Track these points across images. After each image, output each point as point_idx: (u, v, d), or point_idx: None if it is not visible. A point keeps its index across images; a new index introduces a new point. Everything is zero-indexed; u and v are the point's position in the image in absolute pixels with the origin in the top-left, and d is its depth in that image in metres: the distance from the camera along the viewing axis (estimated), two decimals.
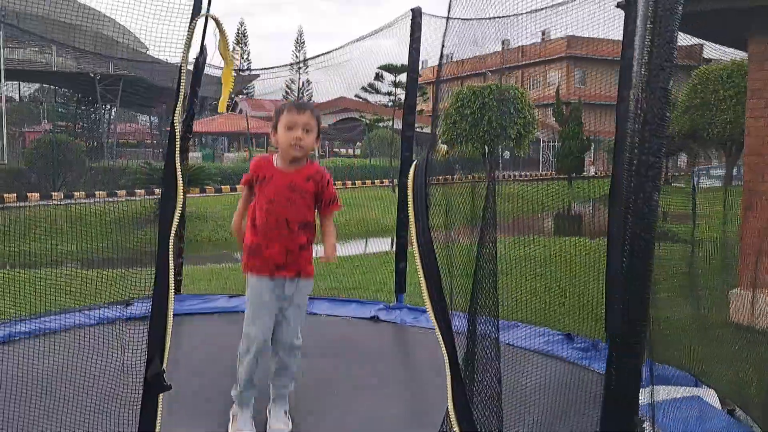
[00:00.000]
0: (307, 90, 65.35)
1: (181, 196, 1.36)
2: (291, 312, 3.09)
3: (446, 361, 1.53)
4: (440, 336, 1.51)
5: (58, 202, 18.89)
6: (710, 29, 5.44)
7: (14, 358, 3.52)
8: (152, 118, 48.53)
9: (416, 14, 5.03)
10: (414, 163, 1.71)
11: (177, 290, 5.33)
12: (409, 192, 1.64)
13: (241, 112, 44.03)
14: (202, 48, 4.77)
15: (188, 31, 1.36)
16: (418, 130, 5.41)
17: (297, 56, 63.21)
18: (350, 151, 48.31)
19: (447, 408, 1.56)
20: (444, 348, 1.51)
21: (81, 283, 7.45)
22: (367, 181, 30.26)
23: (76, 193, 21.50)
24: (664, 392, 3.25)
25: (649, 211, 1.26)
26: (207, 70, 5.32)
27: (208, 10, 4.55)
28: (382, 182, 29.26)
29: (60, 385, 2.93)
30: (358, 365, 3.96)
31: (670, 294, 5.85)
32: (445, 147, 2.80)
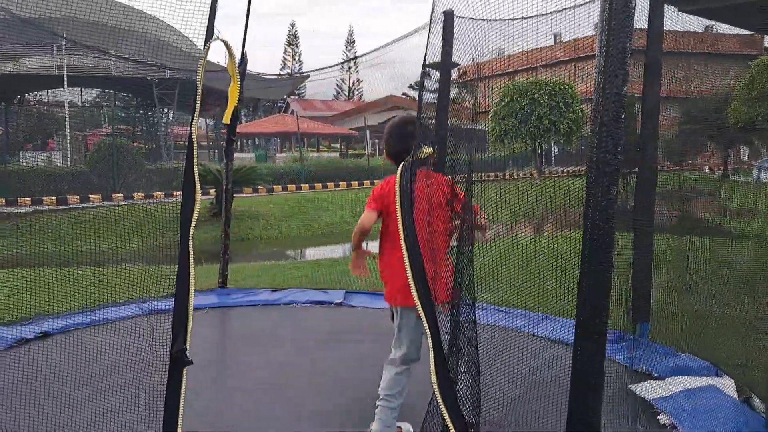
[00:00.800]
0: (358, 89, 65.86)
1: (199, 197, 1.55)
2: None
3: (429, 341, 1.69)
4: (425, 319, 1.67)
5: (118, 203, 19.67)
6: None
7: (76, 345, 3.85)
8: (207, 121, 49.80)
9: (448, 17, 5.17)
10: (401, 164, 1.85)
11: (223, 284, 5.62)
12: (397, 192, 1.78)
13: (292, 112, 44.69)
14: (243, 55, 5.01)
15: (203, 54, 1.55)
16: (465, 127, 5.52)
17: (347, 55, 63.78)
18: None
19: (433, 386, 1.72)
20: (428, 330, 1.66)
21: (139, 279, 7.86)
22: None
23: (135, 194, 22.32)
24: (681, 383, 3.34)
25: (607, 203, 1.38)
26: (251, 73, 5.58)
27: (248, 13, 4.80)
28: None
29: (112, 367, 3.22)
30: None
31: (717, 289, 5.85)
32: (430, 149, 2.91)
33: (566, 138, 24.62)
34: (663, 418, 3.02)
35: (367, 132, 37.38)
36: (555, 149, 31.69)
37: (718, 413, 2.92)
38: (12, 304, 5.06)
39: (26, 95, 42.29)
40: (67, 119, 32.33)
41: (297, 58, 64.89)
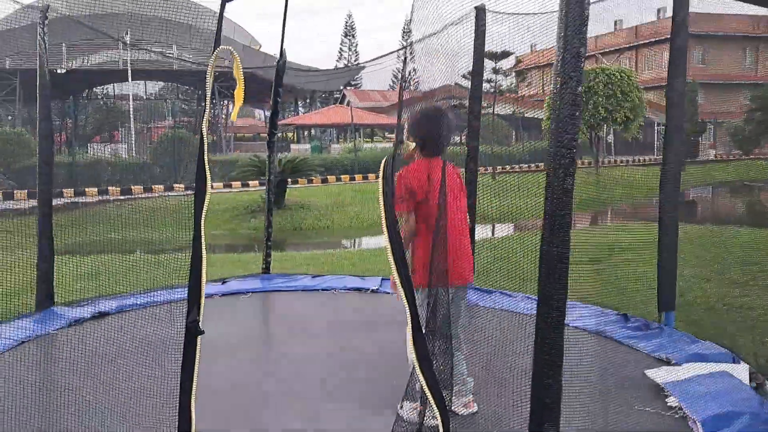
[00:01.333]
0: (414, 79, 65.72)
1: (210, 189, 1.75)
2: None
3: (408, 316, 1.86)
4: (404, 298, 1.84)
5: (179, 193, 20.42)
6: None
7: (127, 324, 4.20)
8: (266, 113, 50.79)
9: (480, 11, 5.30)
10: (384, 159, 2.02)
11: (267, 270, 5.91)
12: (380, 186, 1.95)
13: (349, 103, 45.11)
14: (282, 52, 5.26)
15: (211, 62, 1.74)
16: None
17: (404, 43, 63.70)
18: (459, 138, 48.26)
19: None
20: (407, 307, 1.83)
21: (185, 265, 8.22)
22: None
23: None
24: (695, 369, 3.43)
25: (562, 192, 1.52)
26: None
27: (285, 11, 5.05)
28: (486, 169, 29.19)
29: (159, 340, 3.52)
30: None
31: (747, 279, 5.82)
32: (412, 144, 3.06)
33: (624, 126, 24.17)
34: (671, 401, 3.12)
35: None
36: (610, 138, 31.12)
37: (724, 397, 3.00)
38: (76, 287, 5.45)
39: (94, 89, 44.11)
40: (131, 112, 33.59)
41: (353, 49, 65.42)
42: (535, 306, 4.86)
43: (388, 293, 5.44)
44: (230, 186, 22.23)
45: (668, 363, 3.66)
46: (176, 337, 3.59)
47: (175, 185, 22.55)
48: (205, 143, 1.75)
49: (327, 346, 4.13)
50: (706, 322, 4.61)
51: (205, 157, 1.75)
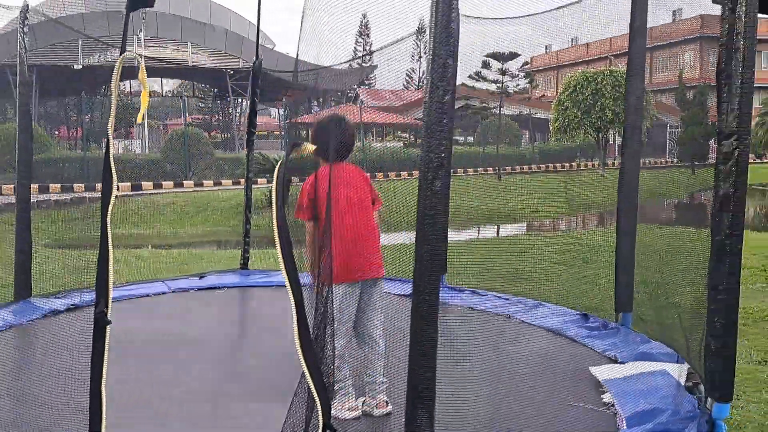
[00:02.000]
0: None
1: (116, 189, 1.85)
2: None
3: (293, 306, 1.97)
4: (290, 289, 1.95)
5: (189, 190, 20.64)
6: None
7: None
8: (280, 111, 50.97)
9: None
10: (279, 161, 2.13)
11: (245, 266, 6.06)
12: (273, 185, 2.07)
13: (362, 103, 45.17)
14: (257, 55, 5.41)
15: (116, 67, 1.86)
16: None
17: (417, 45, 63.66)
18: (470, 138, 48.21)
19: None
20: (292, 298, 1.95)
21: (180, 260, 8.42)
22: (479, 169, 30.38)
23: (205, 182, 23.38)
24: (638, 367, 3.52)
25: (431, 194, 1.63)
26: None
27: (258, 16, 5.17)
28: (495, 170, 29.20)
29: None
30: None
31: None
32: (310, 146, 3.17)
33: None
34: (606, 397, 3.22)
35: None
36: (615, 140, 30.94)
37: (655, 394, 3.09)
38: (70, 280, 5.59)
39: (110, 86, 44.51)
40: (143, 108, 33.87)
41: (367, 48, 65.47)
42: (504, 304, 4.92)
43: None
44: (239, 183, 22.43)
45: (615, 361, 3.75)
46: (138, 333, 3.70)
47: (185, 182, 22.83)
48: (111, 144, 1.86)
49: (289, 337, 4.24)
50: (643, 321, 4.63)
51: (111, 158, 1.86)
